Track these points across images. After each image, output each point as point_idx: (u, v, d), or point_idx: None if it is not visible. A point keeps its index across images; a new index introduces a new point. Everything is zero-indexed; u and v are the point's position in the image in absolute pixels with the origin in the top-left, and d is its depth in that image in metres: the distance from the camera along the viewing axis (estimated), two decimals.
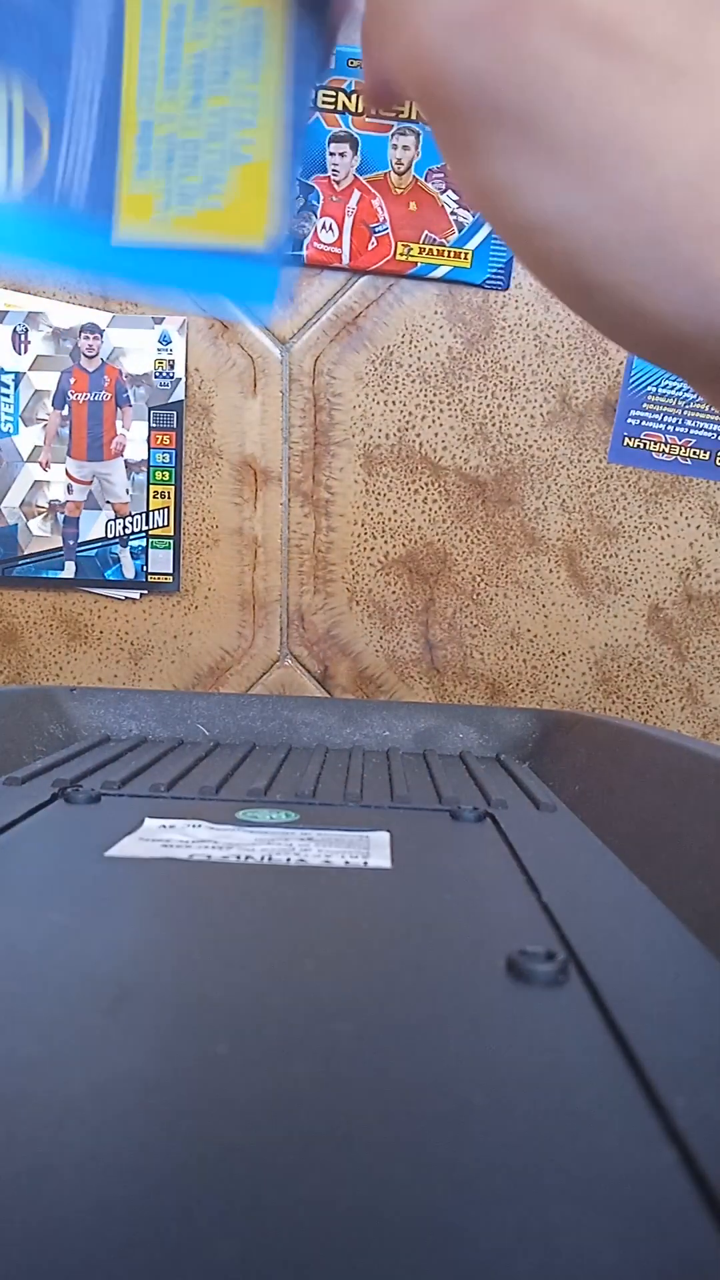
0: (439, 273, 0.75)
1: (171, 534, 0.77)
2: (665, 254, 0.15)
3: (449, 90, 0.16)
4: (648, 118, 0.15)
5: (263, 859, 0.34)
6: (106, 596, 0.77)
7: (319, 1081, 0.18)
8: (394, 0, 0.16)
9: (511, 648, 0.78)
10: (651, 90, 0.15)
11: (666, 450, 0.77)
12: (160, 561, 0.77)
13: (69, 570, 0.77)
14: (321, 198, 0.74)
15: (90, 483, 0.77)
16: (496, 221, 0.17)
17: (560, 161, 0.15)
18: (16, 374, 0.76)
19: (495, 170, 0.16)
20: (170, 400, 0.76)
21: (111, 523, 0.77)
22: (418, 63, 0.16)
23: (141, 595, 0.78)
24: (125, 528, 0.77)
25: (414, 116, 0.73)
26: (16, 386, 0.76)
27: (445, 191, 0.74)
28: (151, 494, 0.77)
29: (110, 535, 0.77)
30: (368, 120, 0.71)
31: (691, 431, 0.76)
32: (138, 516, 0.77)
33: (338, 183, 0.74)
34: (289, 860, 0.34)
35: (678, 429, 0.77)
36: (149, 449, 0.77)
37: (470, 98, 0.16)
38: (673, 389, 0.75)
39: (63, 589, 0.78)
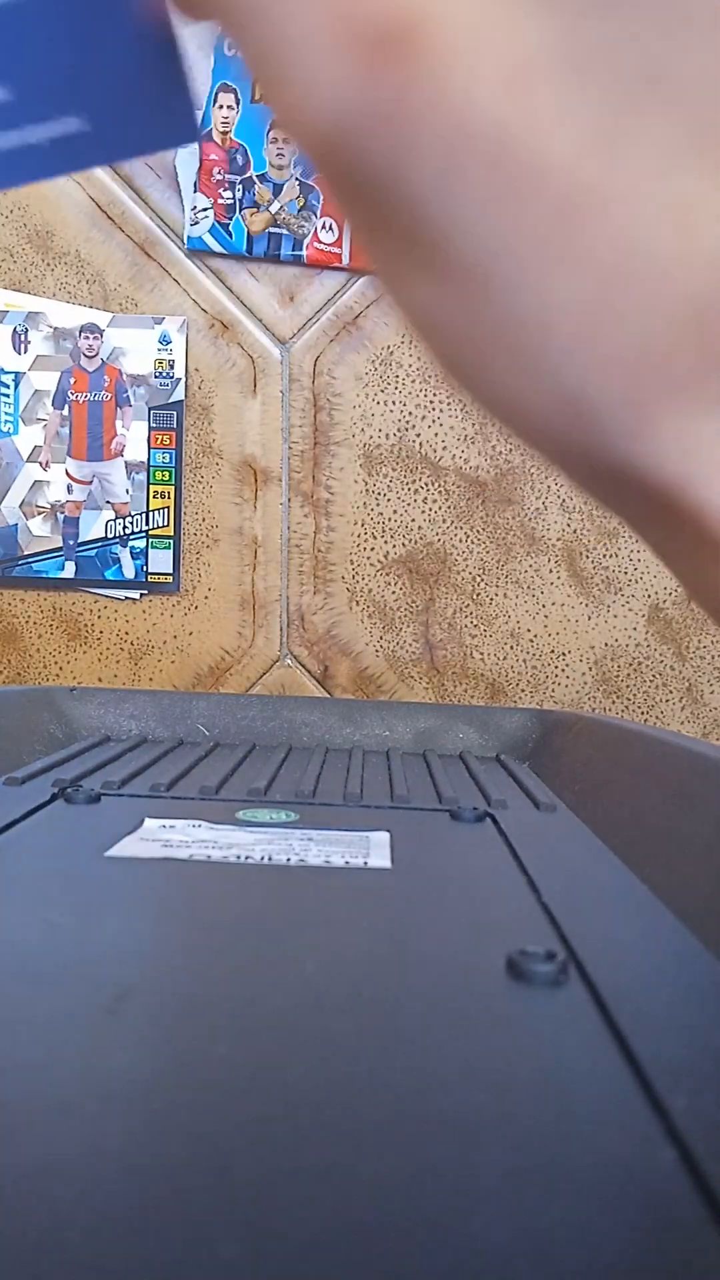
0: None
1: (171, 534, 0.77)
2: (546, 378, 0.14)
3: (333, 175, 0.14)
4: (543, 238, 0.13)
5: (263, 859, 0.34)
6: (106, 596, 0.77)
7: (319, 1081, 0.18)
8: (275, 87, 0.14)
9: (511, 648, 0.78)
10: (554, 209, 0.13)
11: None
12: (160, 561, 0.77)
13: (69, 570, 0.77)
14: (321, 197, 0.74)
15: (90, 483, 0.77)
16: (391, 302, 0.16)
17: (443, 270, 0.14)
18: (16, 374, 0.76)
19: (378, 255, 0.15)
20: (170, 400, 0.76)
21: (111, 523, 0.77)
22: (300, 129, 0.14)
23: (141, 595, 0.78)
24: (125, 528, 0.77)
25: None
26: (16, 386, 0.76)
27: None
28: (151, 494, 0.77)
29: (110, 535, 0.77)
30: None
31: None
32: (138, 516, 0.77)
33: None
34: (289, 860, 0.34)
35: None
36: (149, 449, 0.77)
37: (355, 188, 0.14)
38: None
39: (63, 589, 0.78)
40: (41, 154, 0.17)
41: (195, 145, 0.74)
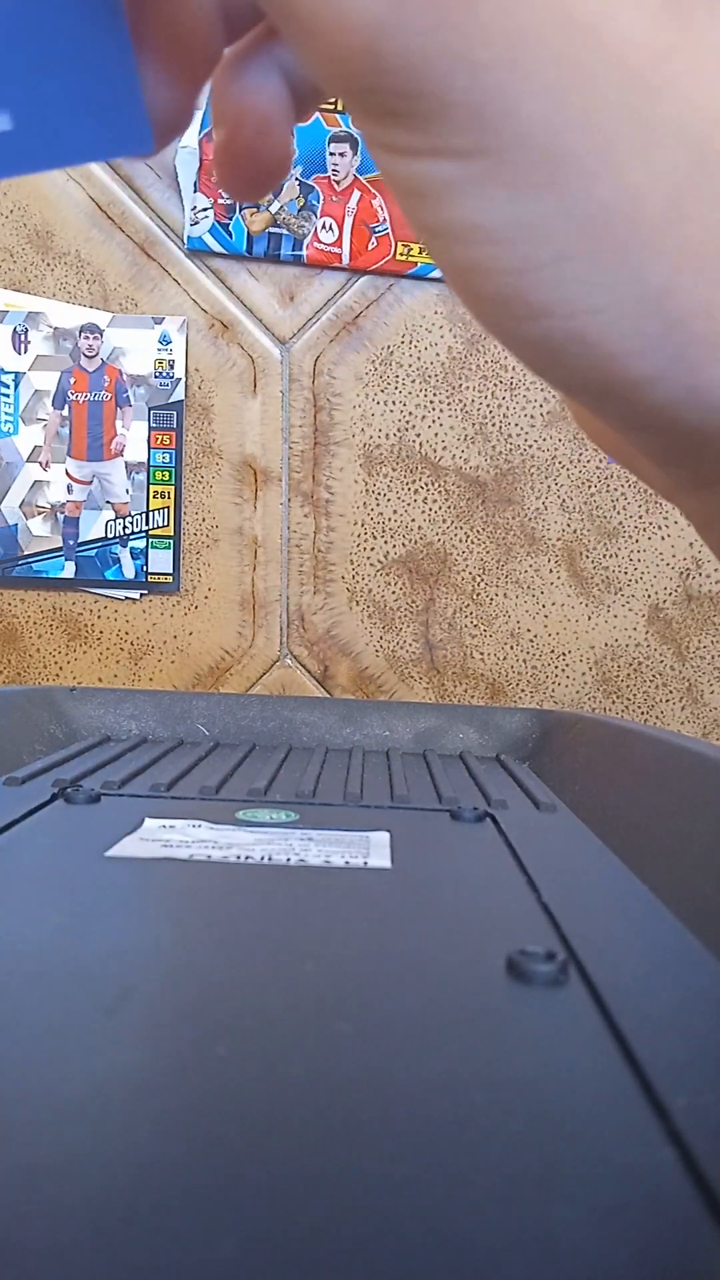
0: (439, 272, 0.75)
1: (171, 534, 0.77)
2: (630, 277, 0.13)
3: (386, 79, 0.13)
4: (624, 111, 0.13)
5: (263, 859, 0.34)
6: (106, 596, 0.77)
7: (319, 1081, 0.18)
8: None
9: (511, 648, 0.78)
10: (627, 77, 0.12)
11: None
12: (160, 561, 0.77)
13: (69, 570, 0.77)
14: (322, 197, 0.74)
15: (90, 483, 0.77)
16: (428, 224, 0.14)
17: (517, 161, 0.13)
18: (16, 374, 0.76)
19: (437, 170, 0.13)
20: (170, 400, 0.76)
21: (111, 523, 0.77)
22: (346, 50, 0.13)
23: (141, 595, 0.78)
24: (125, 528, 0.77)
25: None
26: (16, 386, 0.76)
27: None
28: (151, 494, 0.77)
29: (110, 535, 0.77)
30: None
31: None
32: (138, 516, 0.77)
33: (338, 183, 0.74)
34: (289, 860, 0.34)
35: None
36: (149, 449, 0.77)
37: (412, 86, 0.13)
38: None
39: (63, 589, 0.78)
40: None
41: (196, 146, 0.74)
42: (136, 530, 0.77)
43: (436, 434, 0.77)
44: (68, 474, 0.77)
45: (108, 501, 0.77)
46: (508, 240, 0.13)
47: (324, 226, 0.74)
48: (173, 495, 0.77)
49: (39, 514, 0.77)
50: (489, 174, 0.13)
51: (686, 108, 0.13)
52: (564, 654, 0.78)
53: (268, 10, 0.13)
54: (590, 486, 0.77)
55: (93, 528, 0.77)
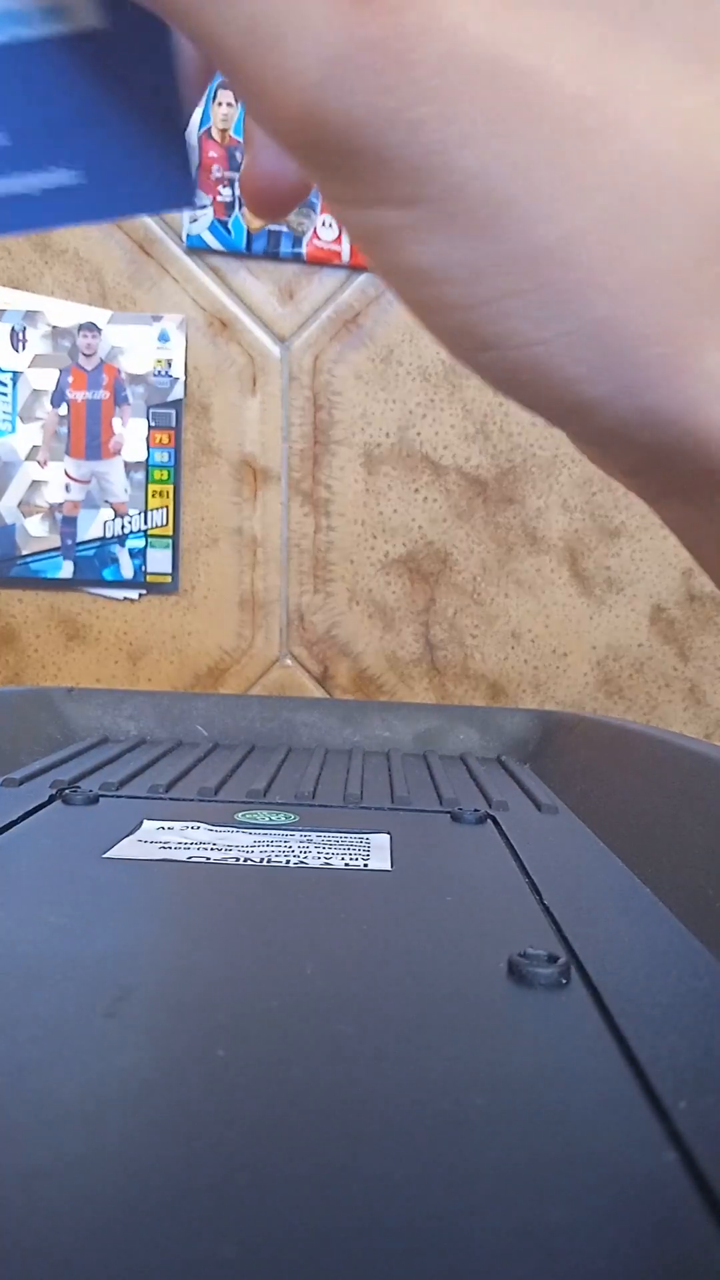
0: None
1: (170, 533, 0.77)
2: (571, 312, 0.14)
3: (326, 136, 0.13)
4: (556, 159, 0.13)
5: (262, 861, 0.33)
6: (105, 596, 0.77)
7: (319, 1083, 0.18)
8: (252, 45, 0.13)
9: (512, 648, 0.78)
10: (559, 126, 0.13)
11: None
12: (159, 561, 0.77)
13: (67, 570, 0.77)
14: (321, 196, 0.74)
15: (88, 482, 0.77)
16: (381, 266, 0.15)
17: (456, 209, 0.13)
18: (14, 373, 0.76)
19: (382, 217, 0.14)
20: (169, 399, 0.76)
21: (110, 522, 0.77)
22: (286, 109, 0.13)
23: (140, 595, 0.77)
24: (124, 527, 0.77)
25: None
26: (14, 385, 0.76)
27: None
28: (150, 493, 0.77)
29: (108, 535, 0.77)
30: None
31: None
32: (136, 516, 0.77)
33: None
34: (288, 862, 0.33)
35: None
36: (147, 448, 0.77)
37: (351, 143, 0.13)
38: None
39: (61, 589, 0.77)
40: (32, 204, 0.17)
41: (195, 144, 0.74)
42: (135, 530, 0.77)
43: (437, 433, 0.77)
44: (66, 473, 0.77)
45: (106, 501, 0.77)
46: (453, 280, 0.14)
47: (324, 224, 0.74)
48: (171, 494, 0.77)
49: (37, 513, 0.77)
50: (430, 220, 0.14)
51: (620, 151, 0.13)
52: (565, 654, 0.78)
53: (218, 67, 0.14)
54: (592, 486, 0.77)
55: (91, 527, 0.77)
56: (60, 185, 0.17)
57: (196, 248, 0.75)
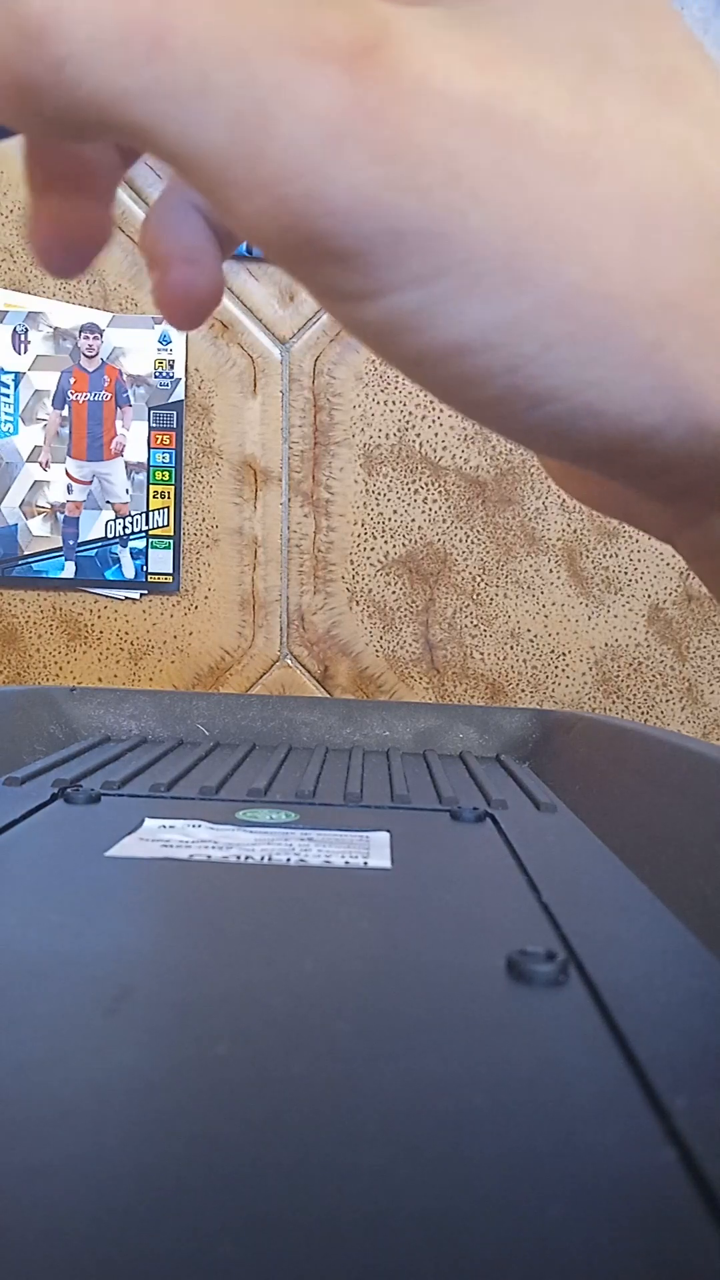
0: None
1: (171, 534, 0.77)
2: (619, 342, 0.14)
3: (332, 223, 0.13)
4: (568, 197, 0.13)
5: (263, 859, 0.34)
6: (106, 596, 0.77)
7: (318, 1081, 0.18)
8: (240, 141, 0.12)
9: (511, 648, 0.78)
10: (563, 165, 0.13)
11: None
12: (160, 561, 0.77)
13: (69, 570, 0.77)
14: None
15: (90, 483, 0.77)
16: (406, 356, 0.14)
17: (480, 270, 0.13)
18: (16, 374, 0.76)
19: (404, 301, 0.13)
20: (170, 400, 0.76)
21: (111, 523, 0.77)
22: (285, 200, 0.12)
23: (141, 595, 0.78)
24: (125, 528, 0.77)
25: None
26: (16, 386, 0.76)
27: None
28: (151, 494, 0.77)
29: (110, 535, 0.77)
30: None
31: None
32: (138, 516, 0.77)
33: None
34: (289, 860, 0.34)
35: None
36: (149, 449, 0.77)
37: (361, 223, 0.13)
38: None
39: (62, 589, 0.78)
40: None
41: None
42: (136, 530, 0.77)
43: (436, 434, 0.77)
44: (68, 474, 0.77)
45: (108, 501, 0.77)
46: (493, 345, 0.14)
47: None
48: (173, 495, 0.77)
49: (39, 514, 0.77)
50: (456, 289, 0.13)
51: (623, 180, 0.13)
52: (564, 654, 0.78)
53: (191, 180, 0.13)
54: None
55: (93, 528, 0.77)
56: None
57: None
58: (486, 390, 0.14)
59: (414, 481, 0.77)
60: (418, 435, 0.77)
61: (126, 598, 0.78)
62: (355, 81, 0.12)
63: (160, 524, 0.77)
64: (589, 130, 0.13)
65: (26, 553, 0.77)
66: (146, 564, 0.77)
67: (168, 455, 0.77)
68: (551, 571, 0.78)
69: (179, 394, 0.76)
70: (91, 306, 0.76)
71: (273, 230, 0.13)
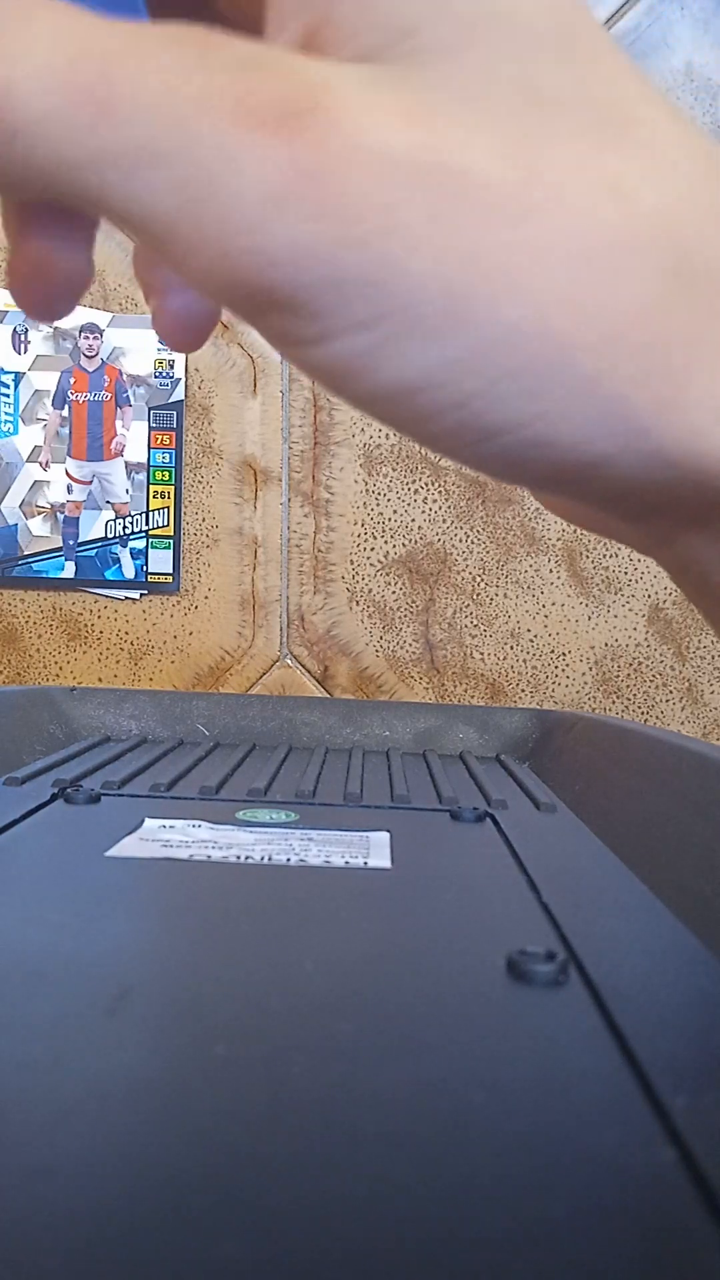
0: None
1: (171, 534, 0.77)
2: (560, 379, 0.14)
3: (276, 274, 0.13)
4: (502, 241, 0.13)
5: (263, 859, 0.34)
6: (106, 596, 0.78)
7: (318, 1082, 0.18)
8: (186, 204, 0.13)
9: (511, 648, 0.78)
10: (495, 211, 0.13)
11: None
12: (160, 561, 0.77)
13: (69, 570, 0.77)
14: None
15: (90, 483, 0.77)
16: (357, 396, 0.15)
17: (422, 314, 0.14)
18: (16, 374, 0.76)
19: (350, 345, 0.14)
20: (170, 400, 0.76)
21: (111, 523, 0.77)
22: (230, 256, 0.13)
23: (141, 595, 0.78)
24: (125, 528, 0.77)
25: None
26: (16, 386, 0.76)
27: None
28: (151, 494, 0.77)
29: (110, 535, 0.77)
30: None
31: None
32: (138, 516, 0.77)
33: None
34: (289, 860, 0.34)
35: None
36: (149, 449, 0.77)
37: (303, 274, 0.13)
38: None
39: (63, 589, 0.78)
40: None
41: None
42: (136, 530, 0.77)
43: None
44: (68, 474, 0.77)
45: (108, 501, 0.77)
46: (438, 384, 0.14)
47: None
48: (173, 495, 0.77)
49: (39, 514, 0.77)
50: (397, 332, 0.14)
51: (556, 221, 0.14)
52: (564, 654, 0.78)
53: (142, 238, 0.14)
54: None
55: (93, 528, 0.77)
56: None
57: None
58: (438, 424, 0.15)
59: (414, 481, 0.77)
60: None
61: (126, 598, 0.78)
62: (289, 145, 0.13)
63: (160, 524, 0.77)
64: (521, 175, 0.14)
65: (26, 553, 0.77)
66: (146, 564, 0.77)
67: (168, 455, 0.77)
68: (551, 571, 0.78)
69: (179, 394, 0.76)
70: (91, 306, 0.76)
71: (221, 283, 0.14)
